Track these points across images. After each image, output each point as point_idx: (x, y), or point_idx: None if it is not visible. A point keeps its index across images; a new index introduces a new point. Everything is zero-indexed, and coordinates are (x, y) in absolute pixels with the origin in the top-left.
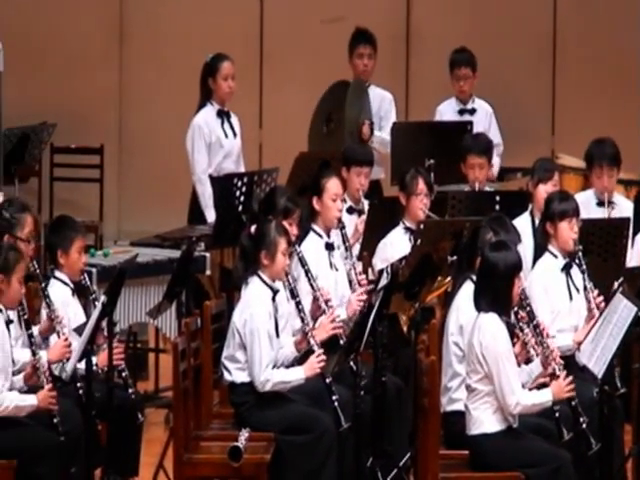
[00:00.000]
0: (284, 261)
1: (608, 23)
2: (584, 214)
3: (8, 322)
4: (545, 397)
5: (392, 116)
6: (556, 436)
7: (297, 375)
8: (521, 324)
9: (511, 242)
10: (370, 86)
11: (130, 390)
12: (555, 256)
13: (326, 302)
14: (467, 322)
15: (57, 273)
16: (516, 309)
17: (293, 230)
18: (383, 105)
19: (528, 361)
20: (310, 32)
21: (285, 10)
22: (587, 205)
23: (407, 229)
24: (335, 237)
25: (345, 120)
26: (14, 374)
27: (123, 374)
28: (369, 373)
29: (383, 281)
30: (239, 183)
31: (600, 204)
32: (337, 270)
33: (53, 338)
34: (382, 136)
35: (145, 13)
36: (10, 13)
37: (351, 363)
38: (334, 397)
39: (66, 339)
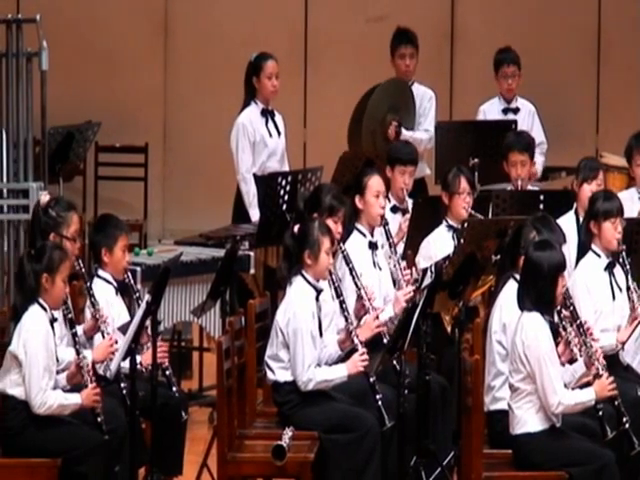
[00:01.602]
0: (328, 260)
1: None
2: (627, 212)
3: (52, 321)
4: (588, 396)
5: (432, 113)
6: (600, 435)
7: (340, 373)
8: (564, 323)
9: (555, 241)
10: (413, 84)
11: (174, 389)
12: (598, 255)
13: (370, 301)
14: (510, 321)
15: (101, 272)
16: (559, 308)
17: (338, 228)
18: (423, 102)
19: (572, 360)
20: (354, 31)
21: (329, 9)
22: (630, 202)
23: (450, 227)
24: (379, 236)
25: (365, 117)
26: (58, 373)
27: (167, 373)
28: (413, 372)
29: (427, 280)
30: (283, 182)
31: None
32: (380, 269)
33: (97, 337)
34: (413, 135)
35: (190, 11)
36: (54, 12)
37: (395, 362)
38: (378, 396)
39: (110, 338)
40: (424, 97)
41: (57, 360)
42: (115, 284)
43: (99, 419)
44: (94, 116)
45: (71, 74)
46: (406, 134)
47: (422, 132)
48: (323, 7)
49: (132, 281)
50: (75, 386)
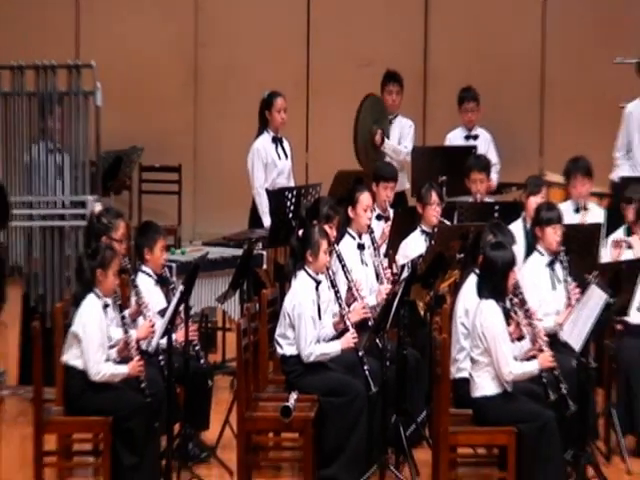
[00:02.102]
0: (325, 258)
1: (590, 66)
2: (566, 220)
3: (105, 306)
4: (533, 367)
5: (410, 136)
6: (543, 398)
7: (335, 348)
8: (515, 308)
9: (507, 243)
10: (397, 116)
11: (202, 361)
12: (542, 254)
13: (358, 291)
14: (471, 307)
15: (143, 267)
16: (511, 297)
17: (333, 232)
18: (405, 129)
19: (520, 338)
20: (347, 73)
21: (328, 56)
22: (567, 212)
23: (423, 232)
24: (366, 239)
25: (359, 132)
26: (110, 348)
27: (196, 348)
28: (393, 347)
29: (404, 274)
30: (289, 195)
31: (577, 211)
32: (367, 266)
33: (140, 320)
34: (394, 144)
35: (215, 58)
36: (107, 58)
37: (378, 340)
38: (365, 367)
39: (150, 320)
40: (406, 125)
41: (109, 338)
42: (155, 277)
43: (142, 385)
44: (138, 142)
45: (120, 109)
46: (389, 143)
47: (403, 147)
48: (322, 54)
49: (169, 274)
50: (123, 359)
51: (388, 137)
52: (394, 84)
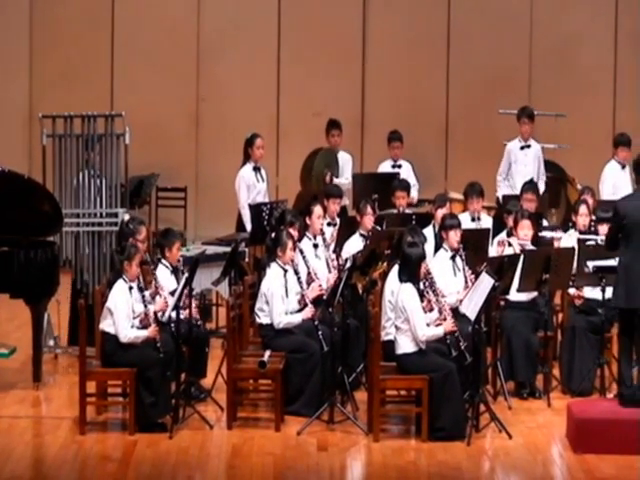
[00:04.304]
0: (291, 253)
1: (482, 113)
2: (464, 226)
3: (130, 288)
4: (440, 331)
5: (349, 168)
6: (448, 354)
7: (298, 318)
8: (427, 289)
9: (420, 242)
10: (339, 152)
11: (201, 327)
12: (446, 250)
13: (315, 276)
14: (395, 289)
15: (163, 261)
16: (424, 281)
17: (295, 234)
18: (345, 163)
19: (431, 310)
20: (305, 119)
21: (292, 107)
22: (465, 221)
23: (361, 235)
24: (319, 240)
25: (313, 170)
26: (135, 319)
27: (198, 317)
28: (340, 317)
29: (348, 265)
30: (265, 208)
31: (472, 220)
32: (320, 259)
33: (157, 298)
34: (340, 181)
35: (212, 109)
36: (133, 109)
37: (329, 311)
38: (319, 332)
39: (165, 298)
40: (346, 159)
41: (133, 311)
42: (171, 268)
43: (158, 345)
44: (155, 170)
45: (142, 146)
46: (335, 180)
47: (344, 179)
48: (288, 106)
49: (182, 267)
50: (144, 326)
51: (337, 177)
52: (335, 129)
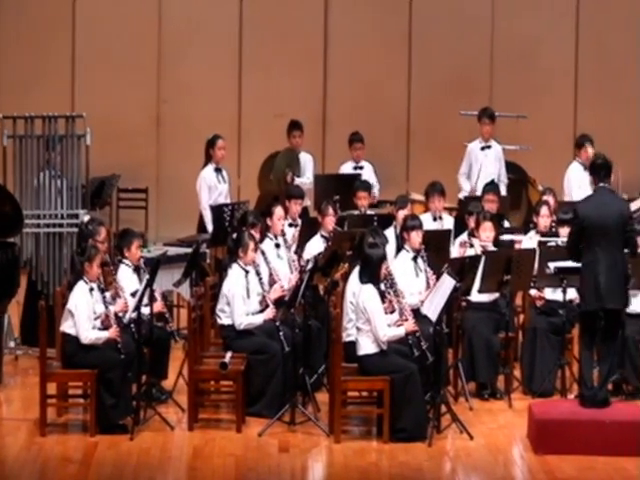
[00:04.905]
0: (252, 255)
1: (443, 115)
2: (425, 227)
3: (91, 289)
4: (401, 331)
5: (310, 168)
6: (409, 355)
7: (259, 319)
8: (388, 290)
9: (382, 243)
10: (301, 153)
11: (171, 324)
12: (408, 251)
13: (276, 277)
14: (357, 289)
15: (125, 261)
16: (385, 281)
17: (257, 235)
18: (307, 163)
19: (393, 311)
20: (267, 121)
21: (254, 108)
22: (427, 221)
23: (323, 236)
24: (280, 240)
25: (274, 171)
26: (95, 320)
27: (166, 316)
28: (301, 319)
29: (309, 266)
30: (226, 210)
31: (434, 220)
32: (281, 259)
33: (118, 300)
34: (302, 181)
35: (173, 111)
36: (94, 110)
37: (291, 312)
38: (281, 333)
39: (125, 299)
40: (307, 160)
41: (94, 312)
42: (133, 267)
43: (119, 346)
44: (116, 171)
45: (103, 147)
46: (297, 180)
47: (306, 179)
48: (249, 107)
49: (143, 266)
50: (105, 327)
51: (299, 176)
52: (297, 130)
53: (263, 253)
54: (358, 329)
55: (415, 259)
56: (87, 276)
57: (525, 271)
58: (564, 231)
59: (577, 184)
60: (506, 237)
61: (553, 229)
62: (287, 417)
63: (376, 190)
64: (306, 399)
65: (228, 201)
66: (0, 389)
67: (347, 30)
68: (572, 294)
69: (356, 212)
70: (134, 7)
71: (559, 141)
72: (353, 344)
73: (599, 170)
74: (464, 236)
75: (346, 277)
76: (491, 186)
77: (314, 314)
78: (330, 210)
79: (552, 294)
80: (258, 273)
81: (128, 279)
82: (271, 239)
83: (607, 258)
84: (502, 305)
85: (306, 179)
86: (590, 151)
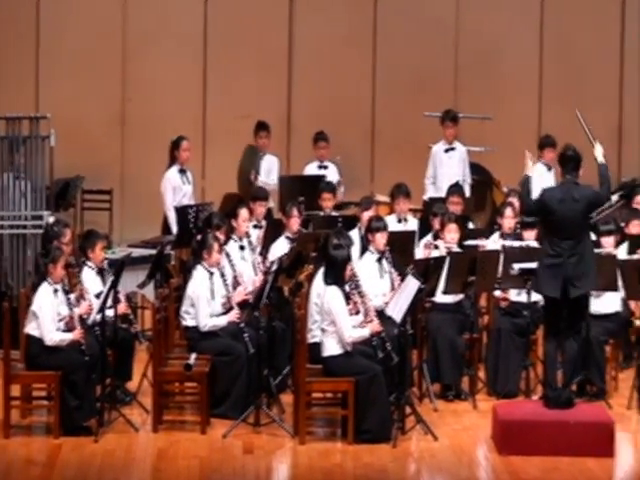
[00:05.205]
0: (217, 256)
1: (407, 116)
2: (390, 228)
3: (55, 291)
4: (366, 332)
5: (275, 170)
6: (374, 356)
7: (224, 321)
8: (353, 291)
9: (346, 245)
10: (266, 154)
11: (135, 326)
12: (372, 253)
13: (241, 279)
14: (321, 291)
15: (89, 262)
16: (350, 283)
17: (222, 237)
18: (272, 164)
19: (357, 312)
20: (232, 122)
21: (218, 109)
22: (391, 223)
23: (288, 237)
24: (245, 242)
25: (242, 172)
26: (59, 321)
27: (131, 317)
28: (266, 320)
29: (274, 267)
30: (191, 211)
31: (399, 221)
32: (246, 261)
33: (82, 301)
34: (264, 180)
35: (137, 111)
36: (58, 111)
37: (255, 314)
38: (245, 334)
39: (90, 301)
40: (273, 161)
41: (58, 314)
42: (96, 269)
43: (83, 348)
44: (80, 172)
45: (67, 148)
46: (261, 181)
47: (271, 180)
48: (214, 108)
49: (107, 267)
50: (69, 329)
51: (259, 174)
52: (263, 131)
53: (228, 255)
54: (323, 330)
55: (380, 260)
56: (51, 278)
57: (490, 272)
58: (528, 235)
59: (538, 184)
60: (470, 242)
61: (517, 230)
62: (252, 419)
63: (340, 191)
64: (271, 400)
65: (192, 202)
66: None
67: (312, 31)
68: (536, 296)
69: (321, 213)
70: (98, 7)
71: (524, 142)
72: (318, 345)
73: (568, 162)
74: (429, 237)
75: (311, 278)
76: (455, 188)
77: (279, 315)
78: (295, 211)
79: (516, 295)
80: (223, 275)
81: (92, 281)
82: (235, 241)
83: (570, 249)
84: (467, 306)
85: (271, 180)
86: (551, 153)
